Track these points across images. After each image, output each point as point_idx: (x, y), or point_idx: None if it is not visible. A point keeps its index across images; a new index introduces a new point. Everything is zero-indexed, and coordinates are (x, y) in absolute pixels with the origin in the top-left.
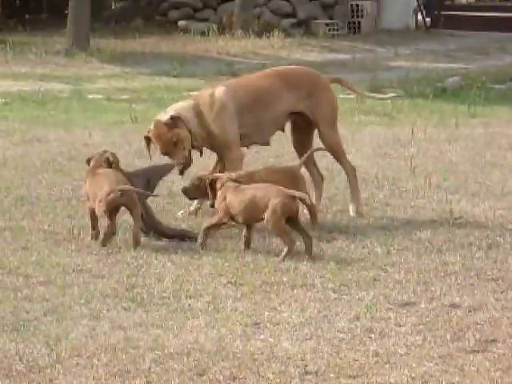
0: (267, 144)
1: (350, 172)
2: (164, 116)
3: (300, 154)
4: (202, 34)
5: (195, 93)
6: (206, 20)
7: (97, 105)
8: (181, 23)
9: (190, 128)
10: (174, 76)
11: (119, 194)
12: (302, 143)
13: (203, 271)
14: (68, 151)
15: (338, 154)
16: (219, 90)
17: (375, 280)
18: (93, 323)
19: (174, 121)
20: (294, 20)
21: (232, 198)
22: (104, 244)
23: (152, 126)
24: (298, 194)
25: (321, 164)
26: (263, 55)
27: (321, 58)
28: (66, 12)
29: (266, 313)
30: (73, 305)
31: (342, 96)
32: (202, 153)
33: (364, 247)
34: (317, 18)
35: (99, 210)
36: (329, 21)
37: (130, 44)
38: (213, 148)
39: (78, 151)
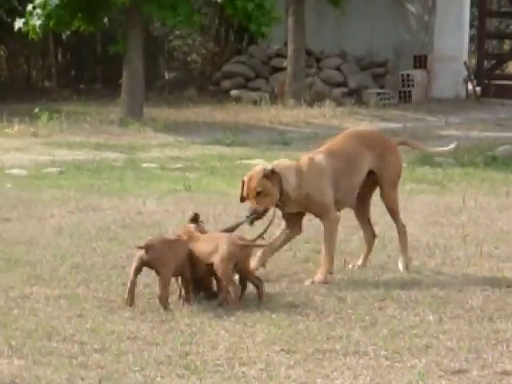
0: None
1: (401, 229)
2: (268, 166)
3: (359, 211)
4: (255, 103)
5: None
6: (258, 89)
7: (151, 173)
8: (233, 92)
9: (287, 187)
10: (227, 145)
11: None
12: (362, 199)
13: (256, 339)
14: (122, 219)
15: (394, 212)
16: (319, 157)
17: (427, 347)
18: None
19: (273, 175)
20: (345, 89)
21: None
22: (237, 307)
23: (252, 171)
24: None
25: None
26: (315, 124)
27: (372, 126)
28: (120, 82)
29: (319, 380)
30: (127, 372)
31: None
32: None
33: (416, 315)
34: (368, 88)
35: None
36: (380, 90)
37: (183, 113)
38: (308, 210)
39: (132, 219)
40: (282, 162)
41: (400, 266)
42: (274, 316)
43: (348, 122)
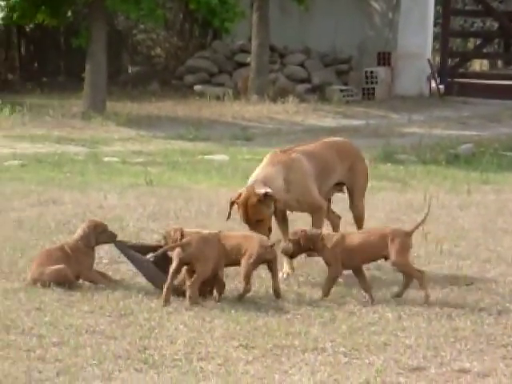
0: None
1: None
2: (260, 188)
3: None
4: (218, 98)
5: (270, 157)
6: (221, 85)
7: (112, 167)
8: (196, 87)
9: (279, 198)
10: (190, 140)
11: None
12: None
13: (215, 334)
14: (83, 213)
15: (361, 222)
16: (299, 157)
17: (386, 344)
18: None
19: (267, 198)
20: (308, 86)
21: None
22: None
23: (243, 193)
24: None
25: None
26: (278, 120)
27: (335, 123)
28: (83, 75)
29: (277, 376)
30: (85, 366)
31: None
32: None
33: (375, 312)
34: (331, 84)
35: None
36: (343, 87)
37: (146, 108)
38: (300, 210)
39: (92, 213)
40: (267, 170)
41: None
42: (232, 311)
43: (311, 118)
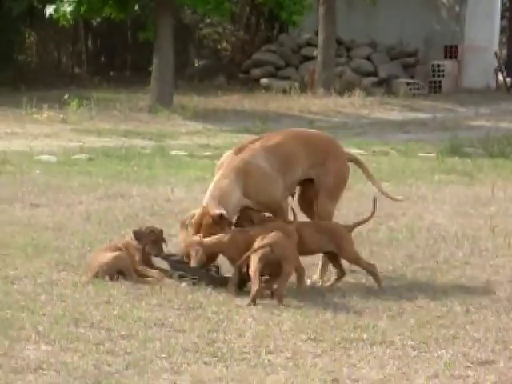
0: None
1: None
2: (214, 208)
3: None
4: (284, 91)
5: (226, 159)
6: (288, 78)
7: (179, 161)
8: (263, 81)
9: (235, 210)
10: (256, 133)
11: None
12: (309, 209)
13: (283, 327)
14: (150, 206)
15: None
16: (254, 157)
17: (454, 338)
18: (174, 377)
19: (222, 220)
20: (375, 79)
21: None
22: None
23: (197, 214)
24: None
25: (401, 221)
26: (344, 113)
27: (401, 116)
28: (150, 69)
29: (345, 369)
30: (154, 359)
31: (421, 154)
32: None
33: (443, 305)
34: (398, 77)
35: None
36: (410, 80)
37: (212, 101)
38: (263, 211)
39: (160, 207)
40: (220, 185)
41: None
42: (301, 304)
43: (377, 111)
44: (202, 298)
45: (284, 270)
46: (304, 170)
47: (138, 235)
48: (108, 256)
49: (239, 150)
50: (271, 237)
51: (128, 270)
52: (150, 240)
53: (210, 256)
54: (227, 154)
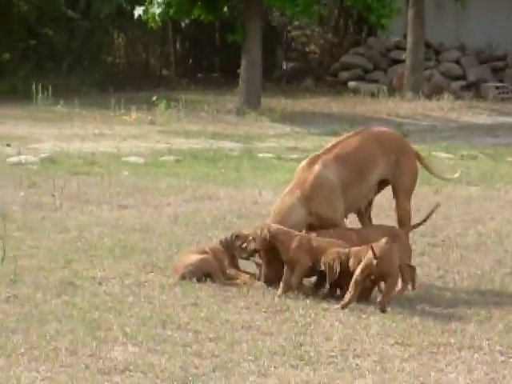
0: None
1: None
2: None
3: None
4: (372, 95)
5: (299, 171)
6: (376, 81)
7: (267, 164)
8: (351, 84)
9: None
10: None
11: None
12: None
13: (370, 331)
14: (238, 209)
15: (404, 224)
16: (326, 169)
17: None
18: (261, 380)
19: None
20: (463, 82)
21: None
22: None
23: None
24: None
25: (490, 226)
26: (433, 117)
27: (490, 120)
28: (238, 71)
29: (433, 374)
30: (241, 361)
31: (510, 159)
32: None
33: None
34: (487, 81)
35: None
36: (499, 84)
37: (300, 104)
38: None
39: (247, 209)
40: (283, 206)
41: None
42: (388, 309)
43: (466, 115)
44: (289, 301)
45: (388, 284)
46: (381, 171)
47: (224, 244)
48: (194, 258)
49: (312, 162)
50: (380, 249)
51: (215, 272)
52: (238, 245)
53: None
54: (302, 165)
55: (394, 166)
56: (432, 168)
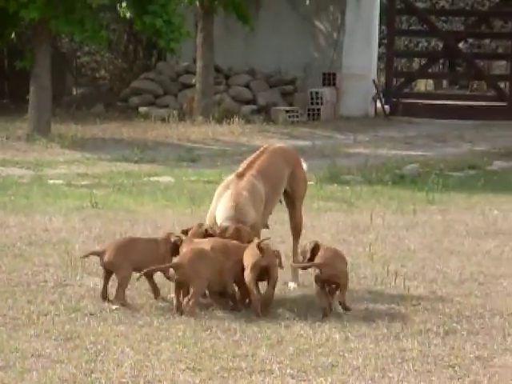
0: (267, 227)
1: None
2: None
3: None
4: (163, 120)
5: (232, 186)
6: (166, 106)
7: (57, 190)
8: (141, 109)
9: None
10: (135, 162)
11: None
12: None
13: (162, 357)
14: (28, 236)
15: (300, 230)
16: (255, 182)
17: (333, 366)
18: None
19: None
20: (254, 106)
21: None
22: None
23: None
24: None
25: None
26: (223, 141)
27: (280, 144)
28: (27, 98)
29: None
30: None
31: None
32: None
33: (322, 333)
34: (277, 105)
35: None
36: (289, 108)
37: (90, 130)
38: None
39: (37, 236)
40: (237, 202)
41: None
42: (179, 334)
43: (257, 139)
44: (79, 328)
45: (342, 289)
46: (285, 183)
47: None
48: None
49: (241, 175)
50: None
51: None
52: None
53: None
54: (230, 178)
55: (293, 178)
56: None
